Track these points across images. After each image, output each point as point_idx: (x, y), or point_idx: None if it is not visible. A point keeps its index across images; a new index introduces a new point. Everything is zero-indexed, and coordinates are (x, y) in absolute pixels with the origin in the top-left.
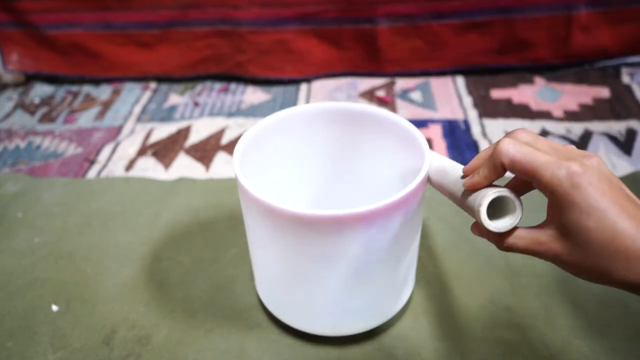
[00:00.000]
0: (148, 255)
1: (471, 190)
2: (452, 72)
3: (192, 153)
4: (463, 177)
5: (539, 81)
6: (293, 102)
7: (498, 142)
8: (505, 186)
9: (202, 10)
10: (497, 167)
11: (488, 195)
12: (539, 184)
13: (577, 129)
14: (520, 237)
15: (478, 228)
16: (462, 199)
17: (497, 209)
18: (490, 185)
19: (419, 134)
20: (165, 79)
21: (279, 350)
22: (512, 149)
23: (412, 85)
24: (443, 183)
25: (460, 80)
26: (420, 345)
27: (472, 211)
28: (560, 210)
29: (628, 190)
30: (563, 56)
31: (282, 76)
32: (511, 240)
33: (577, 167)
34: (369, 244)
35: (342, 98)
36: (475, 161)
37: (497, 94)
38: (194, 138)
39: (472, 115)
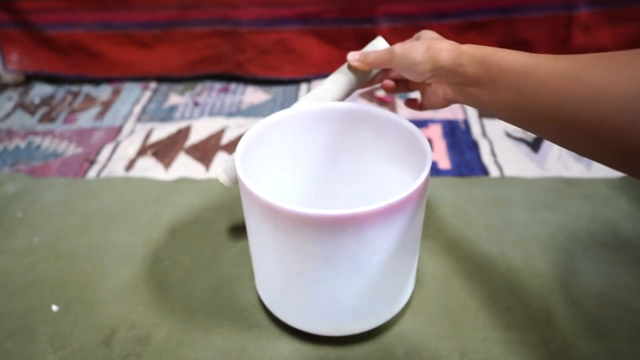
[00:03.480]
0: (148, 255)
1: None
2: None
3: (192, 153)
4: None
5: None
6: (293, 102)
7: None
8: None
9: (202, 10)
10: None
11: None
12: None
13: None
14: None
15: (359, 58)
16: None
17: None
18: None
19: (419, 134)
20: (165, 79)
21: (279, 350)
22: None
23: None
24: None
25: None
26: (420, 345)
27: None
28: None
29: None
30: None
31: (282, 76)
32: (370, 59)
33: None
34: (369, 244)
35: None
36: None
37: None
38: (194, 138)
39: (472, 115)
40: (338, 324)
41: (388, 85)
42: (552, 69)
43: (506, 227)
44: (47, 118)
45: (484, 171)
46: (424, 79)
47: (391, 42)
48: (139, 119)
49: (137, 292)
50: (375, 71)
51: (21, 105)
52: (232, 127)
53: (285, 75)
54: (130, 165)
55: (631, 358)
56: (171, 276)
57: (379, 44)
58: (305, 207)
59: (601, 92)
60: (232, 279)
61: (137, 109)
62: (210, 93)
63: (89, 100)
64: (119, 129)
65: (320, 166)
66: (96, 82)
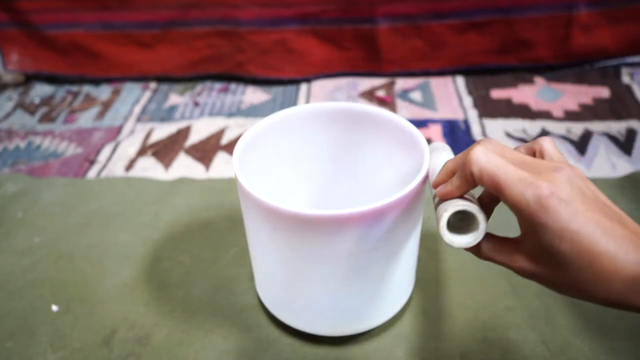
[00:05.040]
0: (148, 255)
1: (443, 199)
2: (452, 72)
3: (192, 153)
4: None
5: (539, 81)
6: (293, 102)
7: (469, 150)
8: (479, 197)
9: (202, 10)
10: (467, 176)
11: (450, 208)
12: (506, 201)
13: (577, 129)
14: (498, 251)
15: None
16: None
17: (467, 221)
18: (462, 196)
19: (418, 134)
20: (165, 79)
21: (279, 350)
22: (483, 159)
23: (412, 85)
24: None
25: (460, 80)
26: (420, 345)
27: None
28: (532, 232)
29: (604, 198)
30: (563, 56)
31: (282, 76)
32: (489, 254)
33: (545, 187)
34: (368, 243)
35: (342, 98)
36: (442, 172)
37: (497, 94)
38: (194, 138)
39: (472, 115)
40: (338, 324)
41: None
42: None
43: (506, 227)
44: (47, 118)
45: None
46: None
47: (391, 42)
48: (139, 119)
49: (137, 292)
50: None
51: (21, 105)
52: (232, 127)
53: (285, 75)
54: (130, 165)
55: (631, 358)
56: (171, 276)
57: None
58: (303, 208)
59: None
60: (232, 279)
61: (137, 109)
62: (210, 93)
63: (89, 100)
64: (119, 129)
65: (320, 166)
66: (96, 82)
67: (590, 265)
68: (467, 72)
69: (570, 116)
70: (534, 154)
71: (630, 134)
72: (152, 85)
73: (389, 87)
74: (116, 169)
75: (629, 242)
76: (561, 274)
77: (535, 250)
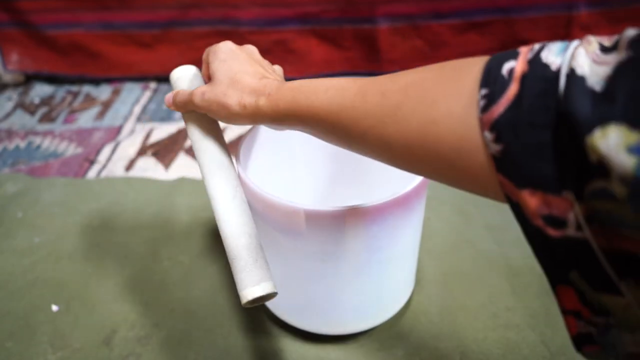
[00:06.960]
0: (148, 255)
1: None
2: None
3: (192, 153)
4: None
5: None
6: None
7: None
8: None
9: (202, 10)
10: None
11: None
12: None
13: None
14: (185, 92)
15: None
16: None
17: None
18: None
19: None
20: (165, 79)
21: (279, 350)
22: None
23: None
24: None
25: None
26: (420, 345)
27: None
28: (210, 65)
29: (254, 58)
30: None
31: None
32: (180, 96)
33: (214, 46)
34: (369, 241)
35: None
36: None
37: None
38: None
39: None
40: (338, 324)
41: None
42: (365, 114)
43: (506, 227)
44: (47, 118)
45: None
46: None
47: (391, 42)
48: (139, 119)
49: (137, 292)
50: None
51: (21, 105)
52: (232, 127)
53: (286, 75)
54: (130, 165)
55: None
56: (171, 276)
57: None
58: (305, 204)
59: (425, 132)
60: (232, 279)
61: (137, 109)
62: None
63: (89, 100)
64: (119, 129)
65: (320, 165)
66: (96, 82)
67: (235, 75)
68: None
69: None
70: None
71: None
72: (152, 85)
73: None
74: (116, 169)
75: (258, 81)
76: (219, 85)
77: (211, 76)
